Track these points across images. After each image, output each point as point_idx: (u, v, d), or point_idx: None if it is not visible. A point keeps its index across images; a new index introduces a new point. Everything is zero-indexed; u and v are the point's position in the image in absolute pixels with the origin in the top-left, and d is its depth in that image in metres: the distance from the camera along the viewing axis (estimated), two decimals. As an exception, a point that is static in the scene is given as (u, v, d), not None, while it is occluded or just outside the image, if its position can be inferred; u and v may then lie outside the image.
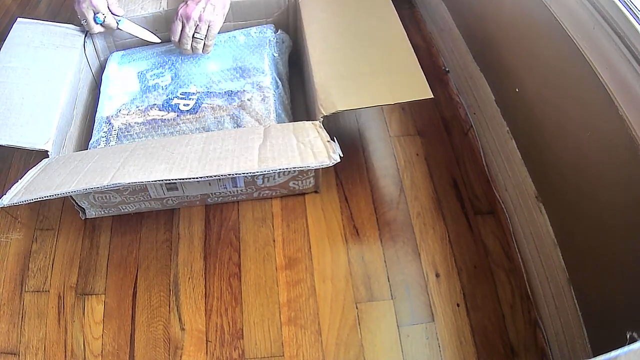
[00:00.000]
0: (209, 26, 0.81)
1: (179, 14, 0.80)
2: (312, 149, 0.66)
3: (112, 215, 0.85)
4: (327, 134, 0.69)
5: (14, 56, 0.82)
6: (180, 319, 0.74)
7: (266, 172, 0.70)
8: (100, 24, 0.84)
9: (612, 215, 0.58)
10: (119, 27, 0.86)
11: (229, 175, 0.62)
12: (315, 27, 0.84)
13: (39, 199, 0.63)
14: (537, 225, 0.73)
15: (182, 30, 0.81)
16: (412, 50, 0.78)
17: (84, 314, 0.75)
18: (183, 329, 0.73)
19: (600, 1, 0.57)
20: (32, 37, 0.85)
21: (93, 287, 0.78)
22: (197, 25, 0.80)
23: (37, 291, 0.78)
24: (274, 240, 0.81)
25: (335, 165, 0.88)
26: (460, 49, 0.96)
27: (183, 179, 0.62)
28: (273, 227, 0.82)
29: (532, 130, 0.74)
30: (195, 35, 0.82)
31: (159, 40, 0.90)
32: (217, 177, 0.62)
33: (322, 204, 0.84)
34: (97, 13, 0.82)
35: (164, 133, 0.80)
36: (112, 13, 0.84)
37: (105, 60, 0.93)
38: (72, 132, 0.82)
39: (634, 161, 0.53)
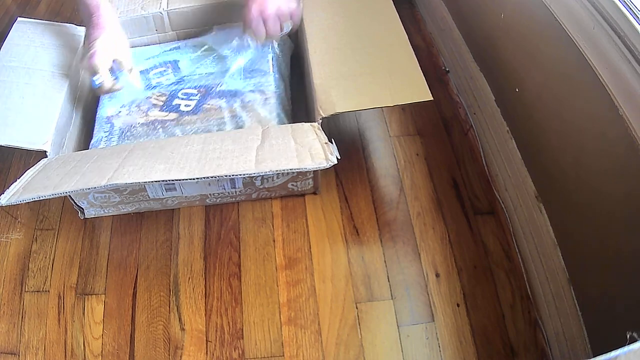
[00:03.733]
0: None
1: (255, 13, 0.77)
2: (310, 150, 0.65)
3: (112, 215, 0.85)
4: (325, 135, 0.69)
5: (14, 55, 0.82)
6: (180, 319, 0.74)
7: (263, 174, 0.70)
8: (97, 88, 0.76)
9: (612, 215, 0.58)
10: (117, 86, 0.77)
11: (227, 176, 0.62)
12: (315, 27, 0.84)
13: (37, 199, 0.63)
14: (537, 225, 0.73)
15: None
16: (412, 52, 0.78)
17: (84, 314, 0.75)
18: (183, 329, 0.73)
19: (600, 1, 0.57)
20: (32, 37, 0.85)
21: (93, 287, 0.78)
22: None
23: (37, 291, 0.78)
24: (274, 240, 0.81)
25: (335, 166, 0.87)
26: (460, 49, 0.96)
27: (181, 180, 0.62)
28: (273, 227, 0.82)
29: (532, 130, 0.74)
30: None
31: (141, 88, 0.85)
32: (215, 178, 0.62)
33: (322, 204, 0.84)
34: (95, 75, 0.74)
35: (165, 134, 0.80)
36: (114, 70, 0.77)
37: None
38: (71, 132, 0.82)
39: (634, 161, 0.53)
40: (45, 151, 0.72)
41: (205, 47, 0.90)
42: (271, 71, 0.85)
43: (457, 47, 0.98)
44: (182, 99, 0.83)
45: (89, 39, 0.76)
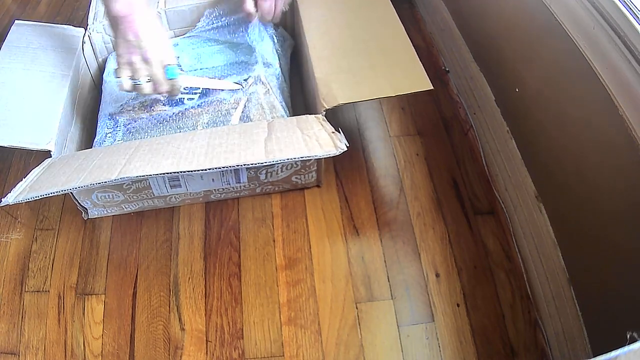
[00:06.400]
0: None
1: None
2: (317, 140, 0.66)
3: (113, 215, 0.85)
4: (330, 125, 0.69)
5: (14, 57, 0.82)
6: (180, 319, 0.74)
7: (273, 163, 0.70)
8: (170, 79, 0.72)
9: (612, 215, 0.58)
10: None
11: (237, 166, 0.62)
12: (314, 23, 0.84)
13: (45, 196, 0.63)
14: (537, 225, 0.73)
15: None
16: (410, 43, 0.78)
17: (84, 314, 0.75)
18: (183, 329, 0.73)
19: (600, 1, 0.57)
20: (31, 39, 0.85)
21: (93, 287, 0.78)
22: None
23: (37, 291, 0.78)
24: (274, 240, 0.81)
25: (335, 166, 0.88)
26: (460, 49, 0.96)
27: (192, 171, 0.62)
28: (273, 227, 0.82)
29: (532, 130, 0.74)
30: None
31: (238, 87, 0.82)
32: (225, 169, 0.62)
33: (322, 203, 0.84)
34: (169, 64, 0.71)
35: (170, 127, 0.80)
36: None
37: (104, 61, 0.93)
38: (72, 132, 0.82)
39: (634, 161, 0.53)
40: (50, 151, 0.72)
41: (202, 42, 0.91)
42: (271, 63, 0.85)
43: (457, 47, 0.98)
44: (185, 93, 0.83)
45: (143, 32, 0.69)
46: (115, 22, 0.69)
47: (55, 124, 0.75)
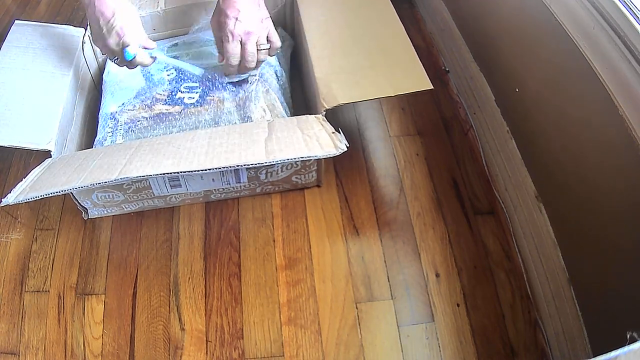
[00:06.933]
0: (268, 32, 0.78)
1: (235, 34, 0.74)
2: (317, 140, 0.66)
3: (113, 215, 0.85)
4: (331, 125, 0.69)
5: (14, 57, 0.82)
6: (180, 319, 0.74)
7: (273, 163, 0.71)
8: (131, 60, 0.75)
9: (612, 215, 0.58)
10: (149, 59, 0.78)
11: (238, 166, 0.62)
12: (314, 23, 0.84)
13: (45, 196, 0.63)
14: (537, 225, 0.73)
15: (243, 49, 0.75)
16: (410, 43, 0.79)
17: (84, 314, 0.76)
18: (183, 329, 0.73)
19: (600, 1, 0.57)
20: (31, 39, 0.85)
21: (93, 287, 0.78)
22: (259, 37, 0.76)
23: (37, 291, 0.78)
24: (274, 240, 0.81)
25: (335, 166, 0.88)
26: (460, 49, 0.96)
27: (192, 171, 0.62)
28: (273, 227, 0.82)
29: (532, 130, 0.74)
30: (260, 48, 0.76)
31: (201, 71, 0.85)
32: (225, 169, 0.62)
33: (322, 203, 0.84)
34: (127, 47, 0.73)
35: (171, 126, 0.80)
36: (144, 47, 0.76)
37: (104, 61, 0.93)
38: (72, 132, 0.82)
39: (634, 161, 0.53)
40: (50, 151, 0.72)
41: (202, 42, 0.91)
42: (273, 63, 0.85)
43: (457, 47, 0.98)
44: (185, 92, 0.84)
45: (103, 18, 0.72)
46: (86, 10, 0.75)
47: (55, 124, 0.75)
